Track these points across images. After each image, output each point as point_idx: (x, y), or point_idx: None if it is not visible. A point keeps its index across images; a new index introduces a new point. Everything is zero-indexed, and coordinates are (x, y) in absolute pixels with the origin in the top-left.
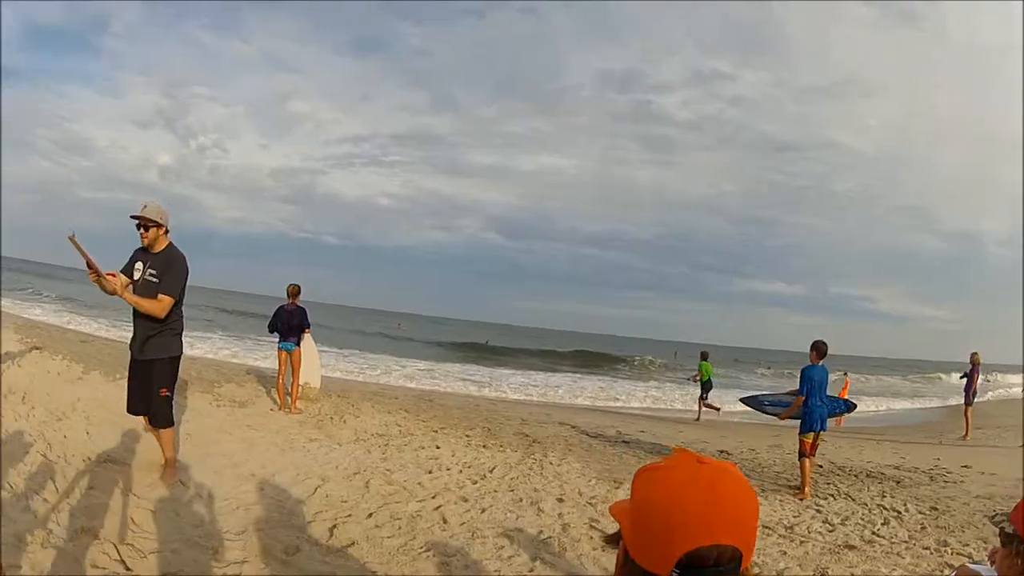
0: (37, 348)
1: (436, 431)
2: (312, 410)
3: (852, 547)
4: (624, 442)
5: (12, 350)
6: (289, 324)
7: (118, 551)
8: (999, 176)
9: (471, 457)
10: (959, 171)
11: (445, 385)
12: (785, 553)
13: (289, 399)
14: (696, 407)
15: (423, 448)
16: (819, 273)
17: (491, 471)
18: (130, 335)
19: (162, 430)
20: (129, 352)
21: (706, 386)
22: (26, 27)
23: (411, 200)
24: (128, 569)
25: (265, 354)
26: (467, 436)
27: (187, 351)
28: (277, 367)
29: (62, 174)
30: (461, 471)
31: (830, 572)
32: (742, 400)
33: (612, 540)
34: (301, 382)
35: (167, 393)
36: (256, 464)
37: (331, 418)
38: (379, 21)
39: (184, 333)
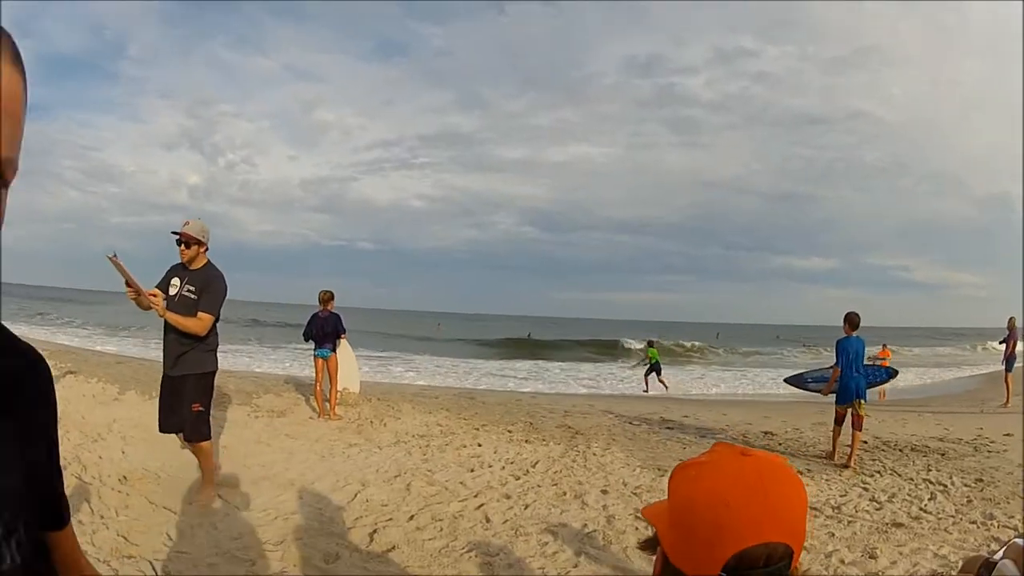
0: (71, 372)
1: (478, 429)
2: (352, 415)
3: (900, 524)
4: (668, 428)
5: None
6: (323, 331)
7: (154, 568)
8: None
9: (513, 453)
10: (987, 136)
11: (487, 382)
12: (833, 535)
13: (328, 406)
14: (645, 384)
15: (465, 447)
16: (853, 246)
17: (534, 466)
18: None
19: (199, 444)
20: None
21: (655, 367)
22: (41, 58)
23: (443, 200)
24: None
25: (303, 363)
26: (509, 432)
27: (225, 365)
28: (314, 375)
29: (92, 202)
30: (503, 468)
31: (879, 552)
32: (786, 380)
33: (648, 545)
34: (340, 387)
35: (200, 408)
36: (295, 473)
37: (371, 422)
38: (399, 25)
39: (220, 348)
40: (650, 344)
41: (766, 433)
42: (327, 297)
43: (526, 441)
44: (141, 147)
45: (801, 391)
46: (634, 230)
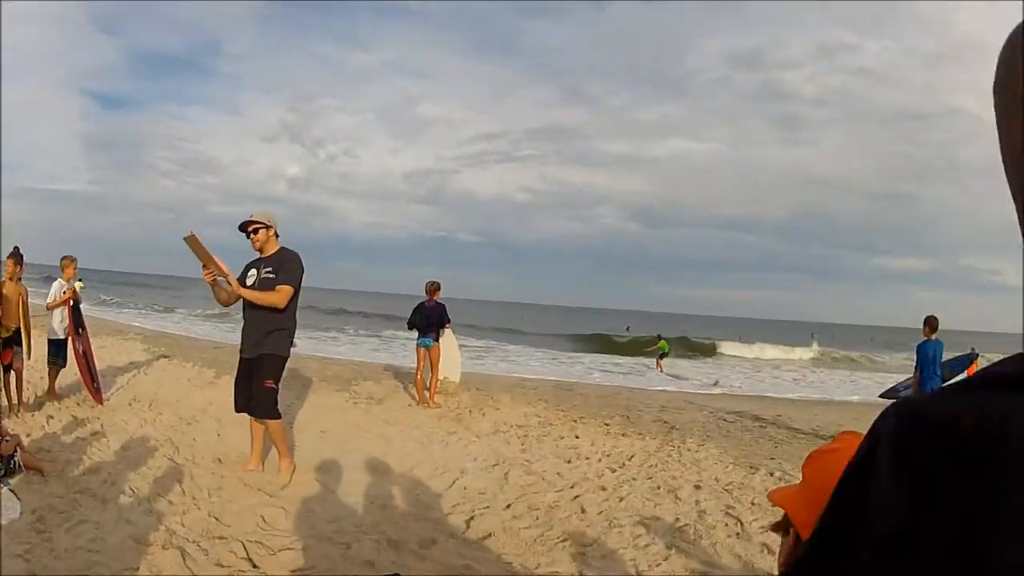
0: (165, 356)
1: (576, 421)
2: (451, 404)
3: None
4: (760, 426)
5: (139, 359)
6: (428, 320)
7: (246, 549)
8: None
9: (610, 446)
10: None
11: (585, 374)
12: None
13: (428, 394)
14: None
15: (562, 438)
16: (949, 247)
17: (630, 459)
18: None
19: (269, 422)
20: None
21: (664, 354)
22: (134, 55)
23: (546, 193)
24: (255, 567)
25: (403, 353)
26: (606, 425)
27: (326, 352)
28: (416, 363)
29: (190, 192)
30: (600, 460)
31: None
32: (881, 396)
33: (780, 527)
34: (440, 377)
35: (272, 385)
36: (393, 459)
37: (470, 411)
38: (503, 21)
39: (304, 335)
40: (659, 337)
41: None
42: (434, 288)
43: (623, 434)
44: (239, 138)
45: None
46: (739, 227)
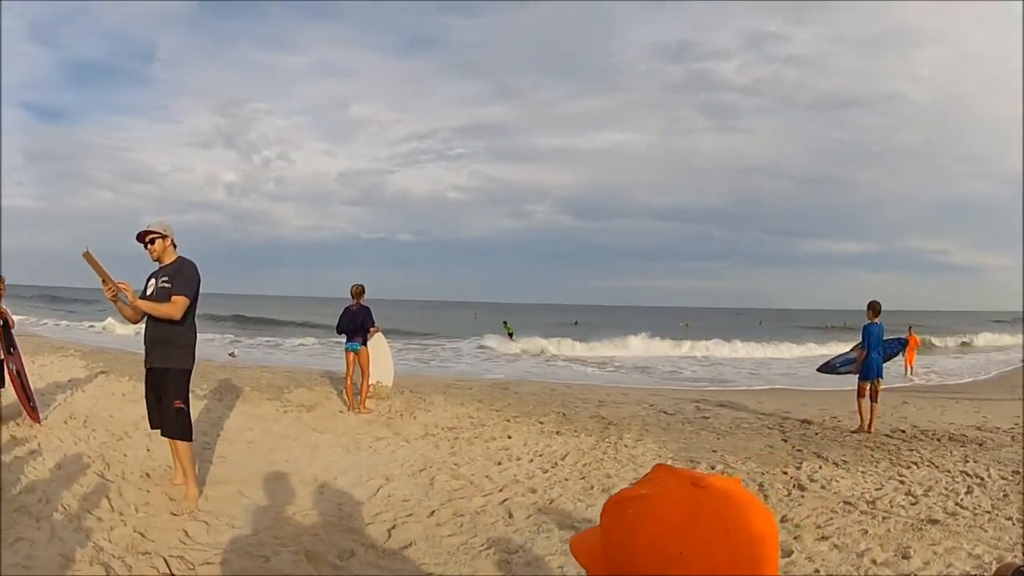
0: (103, 372)
1: (509, 420)
2: (382, 408)
3: (935, 521)
4: (703, 418)
5: (77, 376)
6: (354, 324)
7: (167, 564)
8: None
9: (543, 445)
10: (1014, 114)
11: (523, 372)
12: (866, 532)
13: (358, 399)
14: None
15: (494, 439)
16: (889, 229)
17: (563, 458)
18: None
19: (179, 442)
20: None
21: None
22: (66, 65)
23: (480, 191)
24: None
25: (340, 358)
26: (540, 423)
27: (262, 360)
28: (345, 368)
29: (128, 202)
30: (532, 460)
31: (912, 551)
32: (819, 369)
33: None
34: (373, 381)
35: (180, 405)
36: (319, 467)
37: (401, 415)
38: (428, 18)
39: (197, 344)
40: (505, 323)
41: (803, 421)
42: (359, 291)
43: (557, 432)
44: (175, 146)
45: (833, 376)
46: (675, 216)
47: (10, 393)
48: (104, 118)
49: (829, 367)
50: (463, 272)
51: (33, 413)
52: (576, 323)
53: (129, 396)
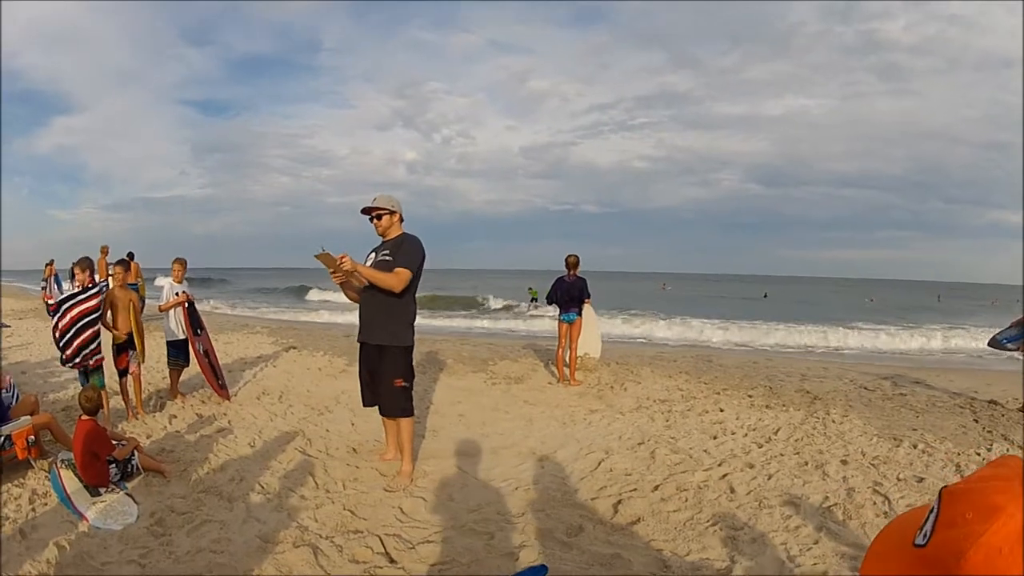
0: (293, 348)
1: (718, 393)
2: (591, 380)
3: None
4: (901, 394)
5: (266, 352)
6: (570, 295)
7: (383, 543)
8: None
9: (755, 419)
10: None
11: (722, 344)
12: None
13: (568, 371)
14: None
15: (707, 412)
16: None
17: (775, 433)
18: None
19: (401, 420)
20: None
21: (535, 300)
22: (227, 61)
23: (665, 160)
24: (393, 561)
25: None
26: (749, 397)
27: (460, 332)
28: (558, 339)
29: (307, 185)
30: (746, 435)
31: None
32: (989, 344)
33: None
34: (580, 353)
35: (402, 384)
36: (535, 441)
37: (611, 387)
38: None
39: (438, 316)
40: (530, 288)
41: (990, 402)
42: (574, 261)
43: (767, 407)
44: (353, 130)
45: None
46: (857, 183)
47: (197, 372)
48: (278, 108)
49: (995, 343)
50: (650, 243)
51: (222, 391)
52: (765, 296)
53: (326, 371)
